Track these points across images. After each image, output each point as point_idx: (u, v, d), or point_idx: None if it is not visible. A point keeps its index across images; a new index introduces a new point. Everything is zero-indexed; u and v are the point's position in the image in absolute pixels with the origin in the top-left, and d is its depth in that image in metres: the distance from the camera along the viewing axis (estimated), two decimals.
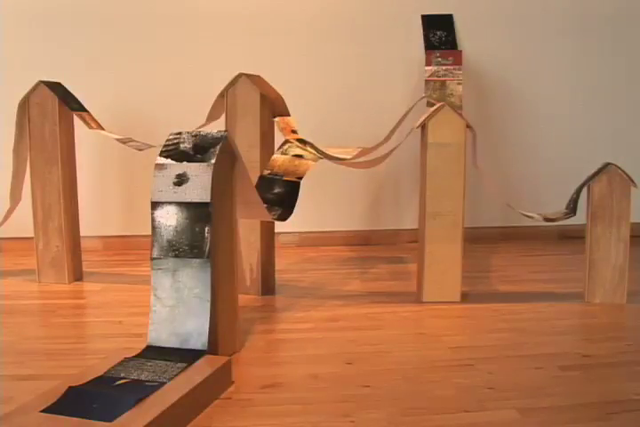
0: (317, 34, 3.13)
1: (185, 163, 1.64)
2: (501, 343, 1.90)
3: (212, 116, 2.40)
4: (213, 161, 1.62)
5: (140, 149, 2.41)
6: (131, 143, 2.44)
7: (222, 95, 2.33)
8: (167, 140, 1.70)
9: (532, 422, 1.43)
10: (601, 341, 1.93)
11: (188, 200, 1.62)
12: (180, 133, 1.70)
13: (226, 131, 1.69)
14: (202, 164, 1.62)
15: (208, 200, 1.60)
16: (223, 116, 2.36)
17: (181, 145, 1.68)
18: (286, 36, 3.12)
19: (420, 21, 3.11)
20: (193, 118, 2.42)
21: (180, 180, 1.62)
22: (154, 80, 3.07)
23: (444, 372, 1.70)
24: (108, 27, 3.02)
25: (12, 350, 1.84)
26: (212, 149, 1.64)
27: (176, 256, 1.63)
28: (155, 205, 1.65)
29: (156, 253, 1.65)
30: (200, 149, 1.65)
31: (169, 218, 1.63)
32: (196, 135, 1.68)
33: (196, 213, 1.61)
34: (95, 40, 3.02)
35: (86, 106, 2.56)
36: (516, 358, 1.79)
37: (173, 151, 1.67)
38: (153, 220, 1.65)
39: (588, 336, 2.00)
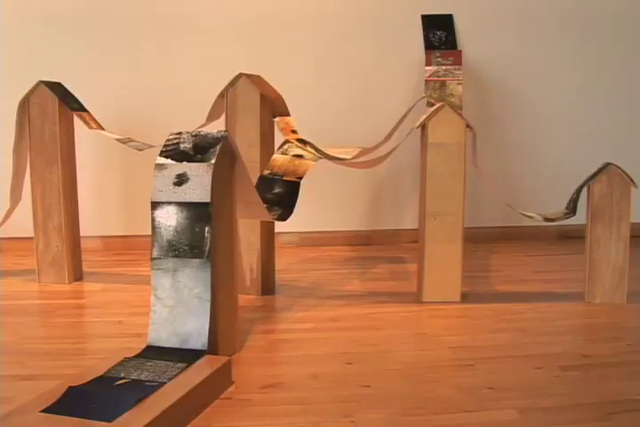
0: (317, 34, 3.13)
1: (185, 163, 1.64)
2: (501, 343, 1.90)
3: (211, 116, 2.40)
4: (213, 161, 1.62)
5: (140, 149, 2.41)
6: (131, 143, 2.44)
7: (222, 95, 2.33)
8: (167, 140, 1.70)
9: (532, 422, 1.43)
10: (601, 341, 1.93)
11: (188, 200, 1.62)
12: (180, 133, 1.70)
13: (226, 131, 1.69)
14: (202, 164, 1.62)
15: (208, 200, 1.60)
16: (223, 116, 2.36)
17: (181, 145, 1.68)
18: (286, 37, 3.12)
19: (420, 21, 3.11)
20: (193, 118, 2.42)
21: (180, 180, 1.62)
22: (154, 80, 3.07)
23: (443, 372, 1.70)
24: (108, 26, 3.02)
25: (12, 350, 1.84)
26: (211, 149, 1.64)
27: (176, 256, 1.63)
28: (155, 205, 1.65)
29: (156, 253, 1.65)
30: (200, 149, 1.65)
31: (169, 218, 1.63)
32: (196, 135, 1.68)
33: (196, 213, 1.61)
34: (95, 40, 3.02)
35: (86, 106, 2.56)
36: (516, 358, 1.79)
37: (173, 151, 1.67)
38: (153, 220, 1.64)
39: (588, 336, 2.00)
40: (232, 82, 2.31)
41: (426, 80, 2.88)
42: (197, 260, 1.61)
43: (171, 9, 3.04)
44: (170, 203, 1.63)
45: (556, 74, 3.26)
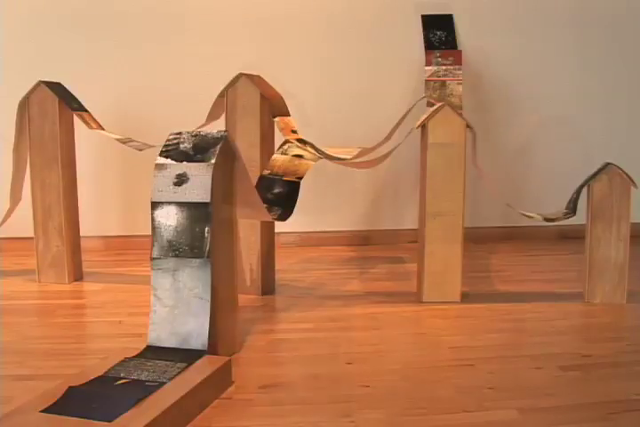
0: (317, 34, 3.13)
1: (185, 163, 1.64)
2: (501, 343, 1.90)
3: (212, 116, 2.40)
4: (213, 161, 1.62)
5: (140, 149, 2.41)
6: (131, 143, 2.44)
7: (222, 95, 2.33)
8: (167, 140, 1.70)
9: (532, 423, 1.43)
10: (601, 341, 1.93)
11: (188, 200, 1.62)
12: (180, 133, 1.70)
13: (226, 131, 1.69)
14: (202, 164, 1.62)
15: (208, 200, 1.60)
16: (223, 116, 2.36)
17: (181, 145, 1.67)
18: (285, 37, 3.12)
19: (420, 21, 3.11)
20: (193, 118, 2.42)
21: (180, 180, 1.62)
22: (154, 80, 3.07)
23: (443, 372, 1.70)
24: (108, 26, 3.02)
25: (12, 350, 1.84)
26: (212, 149, 1.64)
27: (176, 256, 1.63)
28: (155, 205, 1.64)
29: (156, 253, 1.64)
30: (200, 148, 1.65)
31: (169, 218, 1.63)
32: (196, 135, 1.68)
33: (196, 213, 1.61)
34: (95, 40, 3.02)
35: (86, 106, 2.56)
36: (516, 358, 1.79)
37: (173, 151, 1.67)
38: (153, 220, 1.64)
39: (587, 336, 2.00)
40: (232, 82, 2.31)
41: (426, 80, 2.88)
42: (197, 260, 1.61)
43: (171, 8, 3.04)
44: (170, 203, 1.63)
45: (556, 74, 3.26)
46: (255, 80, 2.31)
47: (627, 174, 2.19)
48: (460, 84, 2.85)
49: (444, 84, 2.87)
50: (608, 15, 3.24)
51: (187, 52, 3.06)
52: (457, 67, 2.88)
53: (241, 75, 2.30)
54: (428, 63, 2.92)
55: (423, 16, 3.15)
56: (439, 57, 2.92)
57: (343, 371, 1.70)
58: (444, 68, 2.89)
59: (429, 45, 3.05)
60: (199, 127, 2.31)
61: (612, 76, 3.30)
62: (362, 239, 3.28)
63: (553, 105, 3.28)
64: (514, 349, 1.86)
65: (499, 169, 3.25)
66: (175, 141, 1.69)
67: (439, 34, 3.12)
